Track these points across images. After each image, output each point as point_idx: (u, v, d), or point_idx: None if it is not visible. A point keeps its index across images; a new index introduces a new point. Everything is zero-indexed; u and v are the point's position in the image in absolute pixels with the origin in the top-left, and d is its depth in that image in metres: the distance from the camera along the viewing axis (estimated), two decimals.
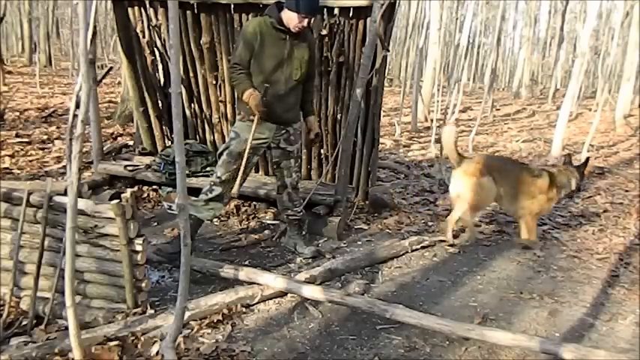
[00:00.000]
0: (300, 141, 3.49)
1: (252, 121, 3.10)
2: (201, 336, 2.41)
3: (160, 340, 2.25)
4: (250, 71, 3.06)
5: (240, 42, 3.06)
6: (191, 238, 3.09)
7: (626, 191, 5.70)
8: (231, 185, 3.20)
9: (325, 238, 3.78)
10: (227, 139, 3.30)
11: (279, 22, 2.99)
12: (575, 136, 9.97)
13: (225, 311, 2.59)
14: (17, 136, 6.26)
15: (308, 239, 3.67)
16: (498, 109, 14.94)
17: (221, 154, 3.24)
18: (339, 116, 4.23)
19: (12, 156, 5.38)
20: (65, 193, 2.32)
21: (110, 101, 9.99)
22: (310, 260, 3.42)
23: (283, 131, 3.26)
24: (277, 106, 3.12)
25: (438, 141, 6.26)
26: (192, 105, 4.64)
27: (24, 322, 2.35)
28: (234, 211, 4.18)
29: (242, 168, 3.12)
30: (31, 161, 5.30)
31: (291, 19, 2.95)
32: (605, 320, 2.83)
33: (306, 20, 2.94)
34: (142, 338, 2.28)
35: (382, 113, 4.67)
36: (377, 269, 3.32)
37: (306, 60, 3.13)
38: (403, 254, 3.57)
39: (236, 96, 3.58)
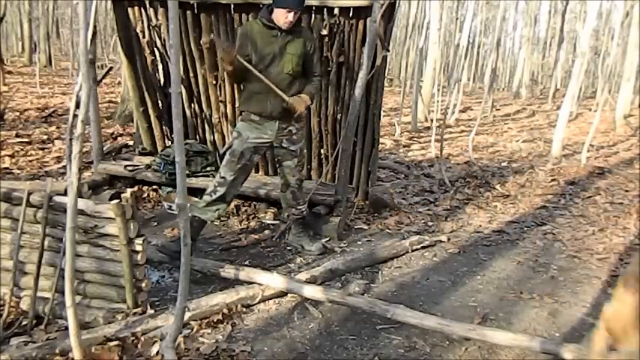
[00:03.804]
0: (304, 140, 3.51)
1: (254, 120, 3.20)
2: (201, 336, 2.41)
3: (160, 340, 2.25)
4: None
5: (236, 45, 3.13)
6: (194, 239, 3.13)
7: (626, 191, 5.70)
8: (236, 185, 3.25)
9: (326, 238, 3.78)
10: (229, 140, 3.33)
11: (270, 21, 3.07)
12: (575, 136, 9.97)
13: (226, 311, 2.59)
14: (17, 136, 6.26)
15: (313, 236, 3.69)
16: (498, 109, 14.94)
17: (224, 154, 3.30)
18: (339, 116, 4.23)
19: (12, 156, 5.38)
20: (65, 193, 2.32)
21: (110, 101, 10.00)
22: (316, 257, 3.45)
23: (285, 130, 3.28)
24: (274, 102, 3.15)
25: (438, 141, 6.26)
26: (192, 105, 4.64)
27: (24, 322, 2.35)
28: (234, 211, 4.18)
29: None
30: (31, 161, 5.30)
31: (278, 15, 3.02)
32: None
33: (291, 14, 2.99)
34: (142, 338, 2.28)
35: (382, 113, 4.68)
36: (377, 269, 3.32)
37: (299, 54, 3.15)
38: (403, 254, 3.57)
39: (236, 96, 3.58)
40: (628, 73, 12.11)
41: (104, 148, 4.78)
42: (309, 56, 3.22)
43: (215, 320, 2.52)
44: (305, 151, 4.38)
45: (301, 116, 3.33)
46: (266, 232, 3.86)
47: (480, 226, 4.33)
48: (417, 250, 3.65)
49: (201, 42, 4.20)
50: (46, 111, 8.13)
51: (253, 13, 3.98)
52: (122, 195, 2.37)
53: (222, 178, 3.23)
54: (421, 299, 2.96)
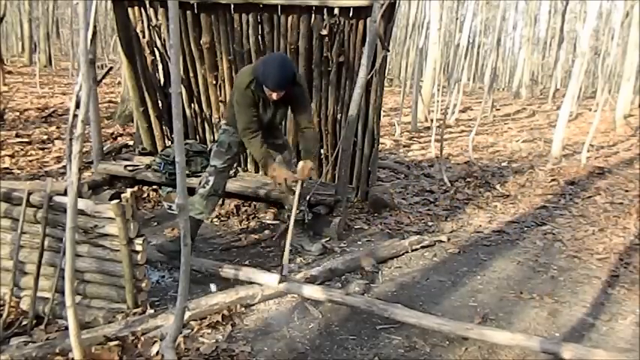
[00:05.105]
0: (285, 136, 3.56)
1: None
2: (201, 336, 2.41)
3: (160, 340, 2.25)
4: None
5: (240, 106, 3.08)
6: (191, 238, 3.13)
7: (626, 191, 5.70)
8: (224, 176, 3.32)
9: (326, 238, 3.78)
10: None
11: (263, 91, 3.02)
12: (575, 136, 9.97)
13: (225, 311, 2.59)
14: (17, 136, 6.26)
15: (313, 236, 3.70)
16: (498, 109, 14.94)
17: (211, 149, 3.40)
18: (339, 116, 4.23)
19: (12, 156, 5.38)
20: (65, 193, 2.32)
21: (110, 101, 10.00)
22: (316, 257, 3.45)
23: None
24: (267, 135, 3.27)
25: (438, 141, 6.26)
26: (192, 105, 4.64)
27: (24, 322, 2.36)
28: (234, 211, 4.18)
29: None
30: (31, 161, 5.30)
31: (266, 90, 3.00)
32: (605, 320, 2.83)
33: (275, 94, 2.98)
34: (142, 338, 2.28)
35: (382, 113, 4.68)
36: (377, 269, 3.32)
37: (284, 113, 3.29)
38: (403, 254, 3.57)
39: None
40: (628, 73, 12.10)
41: (104, 148, 4.78)
42: (294, 104, 3.21)
43: (215, 320, 2.52)
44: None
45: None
46: (266, 232, 3.86)
47: (480, 226, 4.33)
48: (416, 250, 3.65)
49: (201, 42, 4.20)
50: (46, 111, 8.13)
51: (253, 14, 3.98)
52: (122, 195, 2.37)
53: (213, 166, 3.29)
54: (421, 299, 2.96)
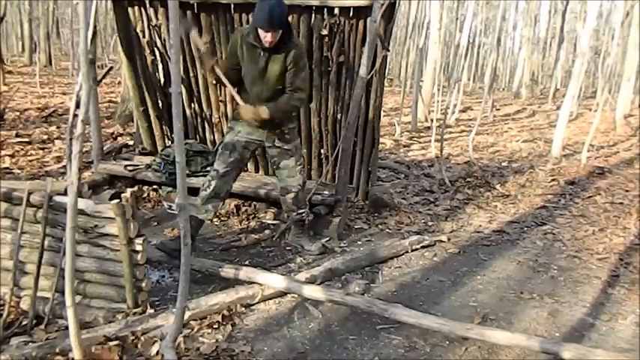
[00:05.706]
0: (298, 139, 3.51)
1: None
2: (201, 336, 2.41)
3: (160, 339, 2.26)
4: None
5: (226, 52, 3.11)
6: (192, 238, 3.13)
7: (626, 191, 5.69)
8: (228, 180, 3.28)
9: (326, 238, 3.78)
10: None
11: (256, 38, 2.97)
12: (575, 136, 9.97)
13: (225, 311, 2.59)
14: (17, 136, 6.26)
15: (313, 236, 3.70)
16: (498, 109, 14.94)
17: (217, 149, 3.37)
18: (339, 116, 4.23)
19: (12, 156, 5.38)
20: (65, 193, 2.32)
21: (110, 101, 10.00)
22: (316, 257, 3.45)
23: (277, 130, 3.28)
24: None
25: (438, 141, 6.26)
26: (193, 105, 4.64)
27: (24, 322, 2.35)
28: (234, 211, 4.18)
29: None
30: (31, 161, 5.30)
31: (259, 34, 2.94)
32: (605, 320, 2.83)
33: (269, 34, 2.89)
34: (142, 338, 2.28)
35: (382, 113, 4.68)
36: (377, 269, 3.32)
37: (279, 74, 3.07)
38: (403, 254, 3.57)
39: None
40: (628, 73, 12.11)
41: (104, 148, 4.77)
42: (288, 71, 3.11)
43: (215, 320, 2.52)
44: (304, 150, 4.40)
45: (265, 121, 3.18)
46: (266, 232, 3.86)
47: (480, 226, 4.33)
48: (416, 249, 3.65)
49: None
50: (46, 111, 8.12)
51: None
52: (122, 195, 2.37)
53: (215, 170, 3.27)
54: (421, 299, 2.96)
